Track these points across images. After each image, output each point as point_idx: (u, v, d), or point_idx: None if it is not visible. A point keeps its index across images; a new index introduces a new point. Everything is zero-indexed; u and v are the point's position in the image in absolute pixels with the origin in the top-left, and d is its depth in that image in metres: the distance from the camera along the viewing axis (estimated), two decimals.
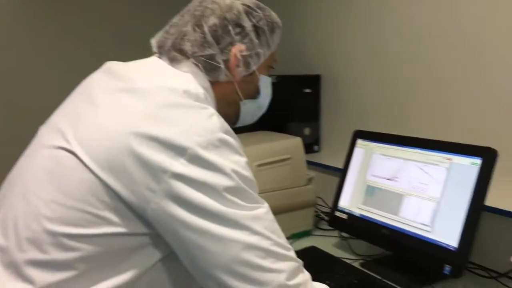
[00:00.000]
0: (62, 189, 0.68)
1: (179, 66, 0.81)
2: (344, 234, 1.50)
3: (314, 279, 1.22)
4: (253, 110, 0.95)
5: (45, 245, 0.67)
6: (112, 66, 0.82)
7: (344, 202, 1.39)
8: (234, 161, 0.71)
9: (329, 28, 1.95)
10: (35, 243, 0.67)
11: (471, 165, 1.09)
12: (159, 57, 0.84)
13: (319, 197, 1.78)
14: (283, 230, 1.49)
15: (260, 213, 0.71)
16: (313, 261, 1.30)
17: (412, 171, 1.22)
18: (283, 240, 0.73)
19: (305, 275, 0.73)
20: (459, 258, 1.07)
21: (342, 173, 1.42)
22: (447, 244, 1.09)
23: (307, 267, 1.29)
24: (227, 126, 0.73)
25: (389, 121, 1.68)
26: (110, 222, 0.68)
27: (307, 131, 1.96)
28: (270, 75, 0.97)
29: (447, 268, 1.07)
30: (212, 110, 0.73)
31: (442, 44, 1.52)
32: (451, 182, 1.12)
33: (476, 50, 1.43)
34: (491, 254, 1.23)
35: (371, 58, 1.78)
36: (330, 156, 1.93)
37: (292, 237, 1.52)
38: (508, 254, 1.16)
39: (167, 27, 0.86)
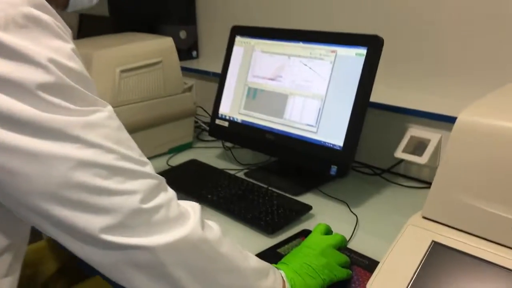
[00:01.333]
0: None
1: None
2: (228, 144, 1.38)
3: (196, 194, 1.12)
4: None
5: None
6: None
7: (225, 108, 1.25)
8: (53, 47, 0.50)
9: None
10: None
11: (356, 56, 0.99)
12: None
13: (200, 107, 1.62)
14: (160, 144, 1.36)
15: (98, 118, 0.52)
16: (194, 175, 1.17)
17: (295, 68, 1.10)
18: (135, 152, 0.55)
19: (168, 194, 0.57)
20: (345, 158, 1.00)
21: (220, 76, 1.26)
22: (333, 144, 1.02)
23: (188, 182, 1.18)
24: (41, 0, 0.51)
25: (271, 15, 1.52)
26: None
27: (183, 34, 1.74)
28: None
29: (333, 169, 1.01)
30: None
31: None
32: (336, 77, 1.03)
33: None
34: (376, 151, 1.20)
35: None
36: (210, 62, 1.75)
37: (171, 151, 1.36)
38: (392, 149, 1.13)
39: None
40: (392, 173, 1.17)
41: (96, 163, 0.50)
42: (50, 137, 0.48)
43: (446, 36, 1.15)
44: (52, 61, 0.49)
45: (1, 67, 0.46)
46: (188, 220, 0.57)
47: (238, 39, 1.23)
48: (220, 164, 1.26)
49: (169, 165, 1.28)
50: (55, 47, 0.50)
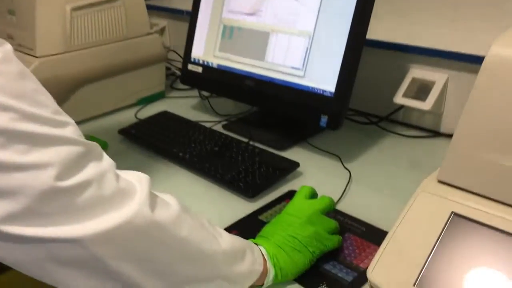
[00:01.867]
0: None
1: None
2: (205, 93, 1.22)
3: (167, 152, 0.97)
4: None
5: None
6: None
7: (198, 51, 1.08)
8: None
9: None
10: None
11: None
12: None
13: (173, 51, 1.44)
14: (128, 95, 1.19)
15: None
16: (165, 129, 1.02)
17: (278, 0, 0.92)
18: (46, 109, 0.40)
19: (102, 165, 0.42)
20: (337, 106, 0.85)
21: (191, 13, 1.08)
22: (323, 91, 0.86)
23: (158, 137, 1.02)
24: None
25: None
26: None
27: None
28: None
29: (323, 120, 0.86)
30: None
31: None
32: (326, 10, 0.85)
33: None
34: (372, 97, 1.05)
35: None
36: None
37: (140, 102, 1.20)
38: (390, 94, 0.98)
39: None
40: (390, 121, 1.03)
41: None
42: None
43: None
44: None
45: None
46: (131, 199, 0.43)
47: None
48: (196, 116, 1.11)
49: (137, 118, 1.12)
50: None
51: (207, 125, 1.05)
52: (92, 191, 0.40)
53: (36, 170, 0.37)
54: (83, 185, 0.40)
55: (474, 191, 0.47)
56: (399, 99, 0.96)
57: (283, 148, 0.94)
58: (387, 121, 1.03)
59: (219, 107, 1.14)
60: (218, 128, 1.05)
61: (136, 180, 0.45)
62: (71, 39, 1.02)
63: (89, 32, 1.04)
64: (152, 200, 0.45)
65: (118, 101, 1.16)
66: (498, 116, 0.45)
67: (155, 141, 0.97)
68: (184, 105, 1.20)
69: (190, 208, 0.51)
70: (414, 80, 0.96)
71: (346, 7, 0.82)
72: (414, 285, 0.43)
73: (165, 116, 1.10)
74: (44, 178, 0.37)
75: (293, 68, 0.90)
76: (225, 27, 1.01)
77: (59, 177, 0.38)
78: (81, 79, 1.05)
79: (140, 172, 0.47)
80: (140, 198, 0.43)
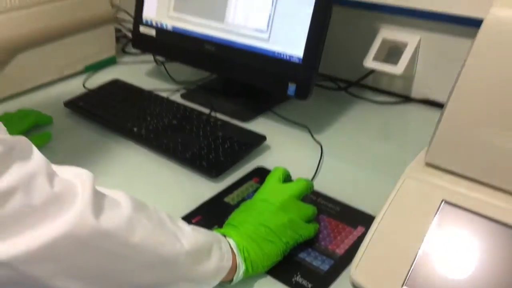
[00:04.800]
0: None
1: None
2: (160, 58, 1.12)
3: (119, 127, 0.85)
4: None
5: None
6: None
7: (150, 11, 0.97)
8: None
9: None
10: None
11: None
12: None
13: (124, 11, 1.30)
14: (74, 61, 1.07)
15: None
16: (117, 100, 0.93)
17: None
18: None
19: (28, 166, 0.33)
20: (306, 73, 0.78)
21: None
22: (290, 56, 0.79)
23: (109, 111, 0.90)
24: None
25: None
26: None
27: None
28: None
29: (291, 88, 0.79)
30: None
31: None
32: None
33: None
34: (340, 60, 0.99)
35: None
36: None
37: (88, 69, 1.09)
38: (359, 57, 0.91)
39: None
40: (360, 86, 0.97)
41: None
42: None
43: None
44: None
45: None
46: (70, 205, 0.35)
47: None
48: (151, 84, 1.01)
49: (85, 87, 1.01)
50: None
51: (164, 94, 0.96)
52: (18, 199, 0.32)
53: None
54: (6, 193, 0.31)
55: (467, 175, 0.42)
56: (369, 62, 0.90)
57: (248, 119, 0.87)
58: (357, 86, 0.97)
59: (177, 73, 1.05)
60: (176, 98, 0.96)
61: (77, 178, 0.37)
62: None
63: None
64: (97, 203, 0.37)
65: (62, 69, 1.04)
66: (497, 87, 0.39)
67: (106, 114, 0.88)
68: (137, 72, 1.10)
69: (146, 204, 0.44)
70: (384, 41, 0.90)
71: None
72: (403, 286, 0.39)
73: (116, 85, 1.00)
74: None
75: (256, 30, 0.82)
76: None
77: None
78: (17, 45, 0.93)
79: (81, 169, 0.39)
80: (81, 202, 0.35)
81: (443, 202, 0.41)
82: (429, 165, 0.44)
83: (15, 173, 0.32)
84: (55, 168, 0.37)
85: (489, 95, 0.40)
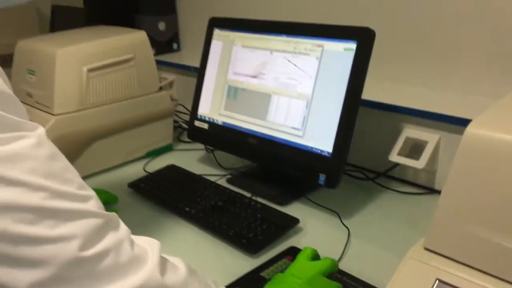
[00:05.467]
0: None
1: None
2: (210, 147, 1.28)
3: (173, 207, 1.00)
4: None
5: None
6: None
7: (204, 109, 1.15)
8: None
9: None
10: None
11: (345, 52, 0.89)
12: None
13: (181, 105, 1.51)
14: (137, 148, 1.25)
15: (22, 147, 0.42)
16: (172, 183, 1.08)
17: (279, 64, 0.99)
18: (72, 185, 0.45)
19: (119, 234, 0.47)
20: (334, 166, 0.91)
21: (198, 74, 1.16)
22: (321, 150, 0.92)
23: (165, 192, 1.07)
24: None
25: (254, 5, 1.41)
26: None
27: (162, 26, 1.62)
28: None
29: (321, 178, 0.91)
30: None
31: None
32: (323, 75, 0.92)
33: None
34: (368, 153, 1.11)
35: None
36: (192, 55, 1.62)
37: (149, 155, 1.26)
38: (386, 152, 1.03)
39: None
40: (387, 177, 1.08)
41: (19, 206, 0.40)
42: None
43: (445, 22, 1.05)
44: None
45: None
46: (144, 265, 0.47)
47: (216, 32, 1.12)
48: (201, 169, 1.16)
49: (146, 171, 1.17)
50: None
51: (212, 178, 1.10)
52: (111, 259, 0.45)
53: (63, 242, 0.42)
54: (103, 254, 0.44)
55: (458, 260, 0.51)
56: (394, 157, 1.01)
57: (284, 203, 0.99)
58: (384, 177, 1.08)
59: (224, 160, 1.20)
60: (223, 182, 1.10)
61: (148, 245, 0.50)
62: (86, 97, 1.09)
63: (103, 91, 1.12)
64: (162, 264, 0.49)
65: (128, 154, 1.22)
66: (476, 192, 0.50)
67: (163, 195, 1.02)
68: (190, 158, 1.25)
69: (196, 270, 0.56)
70: (407, 139, 1.02)
71: (342, 72, 0.89)
72: None
73: (172, 169, 1.16)
74: (70, 249, 0.42)
75: (293, 128, 0.96)
76: (230, 87, 1.09)
77: (82, 247, 0.43)
78: (94, 135, 1.11)
79: (151, 238, 0.52)
80: (152, 263, 0.48)
81: (437, 281, 0.50)
82: (427, 249, 0.54)
83: (110, 239, 0.45)
84: (134, 237, 0.50)
85: (469, 197, 0.50)
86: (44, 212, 0.41)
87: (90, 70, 1.08)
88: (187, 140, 1.35)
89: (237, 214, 0.92)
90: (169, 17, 1.65)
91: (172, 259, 0.53)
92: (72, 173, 0.46)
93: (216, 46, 1.11)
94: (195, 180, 1.08)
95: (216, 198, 0.98)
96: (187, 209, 0.96)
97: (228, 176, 1.12)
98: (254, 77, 1.04)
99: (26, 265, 0.41)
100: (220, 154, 1.23)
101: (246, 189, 1.04)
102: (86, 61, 1.07)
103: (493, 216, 0.49)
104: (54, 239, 0.41)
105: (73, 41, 1.10)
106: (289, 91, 0.97)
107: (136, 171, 1.18)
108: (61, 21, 1.85)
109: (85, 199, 0.46)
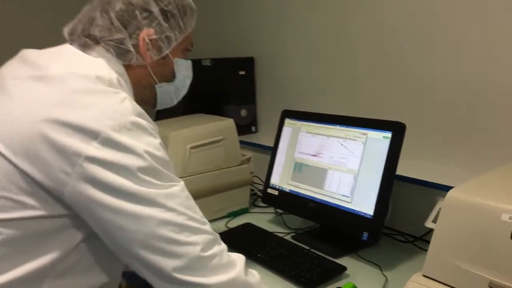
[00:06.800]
0: None
1: (90, 52, 0.83)
2: (279, 211, 1.57)
3: (248, 253, 1.28)
4: (170, 92, 0.97)
5: None
6: (26, 53, 0.82)
7: (275, 179, 1.46)
8: (147, 142, 0.74)
9: (261, 11, 1.99)
10: None
11: (383, 139, 1.17)
12: (71, 44, 0.85)
13: (256, 176, 1.83)
14: (219, 209, 1.59)
15: (175, 191, 0.75)
16: (248, 236, 1.37)
17: (334, 147, 1.30)
18: (198, 215, 0.77)
19: (221, 247, 0.78)
20: (375, 225, 1.16)
21: (272, 151, 1.49)
22: (364, 213, 1.18)
23: (242, 242, 1.37)
24: (140, 109, 0.76)
25: (314, 101, 1.76)
26: (27, 206, 0.70)
27: (243, 112, 2.01)
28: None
29: (365, 235, 1.16)
30: (124, 94, 0.75)
31: (363, 35, 1.59)
32: (367, 155, 1.21)
33: (386, 35, 1.51)
34: (408, 220, 1.34)
35: (300, 41, 1.83)
36: (267, 136, 1.98)
37: (230, 215, 1.57)
38: (423, 219, 1.26)
39: (79, 15, 0.87)
40: (423, 241, 1.30)
41: (172, 222, 0.72)
42: (145, 203, 0.71)
43: (477, 113, 1.31)
44: (147, 152, 0.73)
45: (115, 156, 0.71)
46: (235, 267, 0.77)
47: (287, 121, 1.46)
48: (272, 228, 1.45)
49: (227, 227, 1.48)
50: (148, 142, 0.75)
51: (280, 235, 1.38)
52: (217, 260, 0.75)
53: (193, 246, 0.73)
54: (213, 256, 0.75)
55: (446, 283, 0.75)
56: (429, 224, 1.23)
57: (337, 256, 1.24)
58: (422, 240, 1.30)
59: (290, 221, 1.48)
60: (288, 238, 1.37)
61: (237, 257, 0.80)
62: (188, 167, 1.44)
63: (199, 163, 1.47)
64: (245, 270, 0.79)
65: (213, 213, 1.54)
66: (453, 234, 0.75)
67: (240, 245, 1.32)
68: (263, 219, 1.55)
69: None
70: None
71: (381, 154, 1.17)
72: None
73: (248, 226, 1.46)
74: (196, 250, 0.73)
75: (343, 195, 1.24)
76: (296, 163, 1.40)
77: (203, 250, 0.74)
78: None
79: (239, 254, 0.82)
80: (239, 267, 0.77)
81: None
82: (424, 276, 0.78)
83: (217, 248, 0.77)
84: (229, 253, 0.80)
85: (449, 238, 0.75)
86: (184, 227, 0.73)
87: (192, 148, 1.45)
88: (261, 205, 1.65)
89: (298, 261, 1.19)
90: (250, 106, 2.04)
91: (251, 270, 0.82)
92: (198, 208, 0.79)
93: (286, 131, 1.45)
94: (266, 235, 1.37)
95: (282, 249, 1.26)
96: (259, 255, 1.24)
97: (293, 234, 1.40)
98: (314, 155, 1.34)
99: (172, 256, 0.72)
100: (287, 217, 1.51)
101: (306, 244, 1.30)
102: (190, 141, 1.45)
103: (466, 251, 0.73)
104: (188, 243, 0.73)
105: (181, 126, 1.49)
106: (341, 167, 1.26)
107: (219, 227, 1.49)
108: (163, 110, 2.31)
109: (204, 223, 0.77)
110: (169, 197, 0.73)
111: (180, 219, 0.73)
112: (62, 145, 0.69)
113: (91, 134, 0.69)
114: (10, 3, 2.23)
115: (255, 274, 0.81)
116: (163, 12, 0.87)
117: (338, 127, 1.30)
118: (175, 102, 1.02)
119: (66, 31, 0.86)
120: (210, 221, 1.56)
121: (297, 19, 1.83)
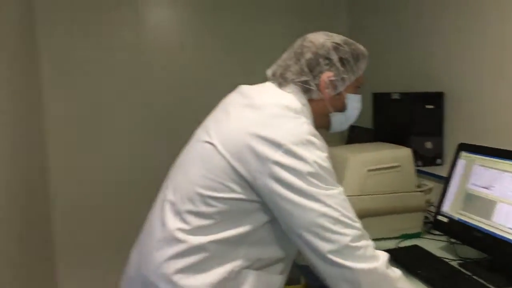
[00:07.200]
0: (207, 168, 1.06)
1: (284, 88, 1.14)
2: (453, 240, 1.62)
3: (409, 269, 1.40)
4: (341, 120, 1.21)
5: (196, 202, 1.04)
6: (242, 88, 1.17)
7: (446, 207, 1.54)
8: (317, 155, 1.00)
9: (452, 45, 2.04)
10: (191, 200, 1.05)
11: None
12: (272, 82, 1.17)
13: (435, 206, 1.89)
14: (392, 229, 1.76)
15: (333, 193, 0.98)
16: (413, 255, 1.49)
17: (506, 181, 1.33)
18: (351, 214, 0.99)
19: (368, 242, 0.97)
20: None
21: (445, 181, 1.57)
22: None
23: (406, 258, 1.49)
24: (314, 131, 1.03)
25: (495, 137, 1.72)
26: (233, 190, 1.03)
27: (429, 144, 2.09)
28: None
29: None
30: (304, 119, 1.04)
31: None
32: None
33: None
34: None
35: (496, 76, 1.81)
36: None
37: (402, 237, 1.70)
38: None
39: (278, 61, 1.19)
40: None
41: (329, 215, 0.96)
42: (310, 198, 0.97)
43: None
44: (315, 162, 0.99)
45: (293, 162, 0.98)
46: (378, 260, 0.96)
47: (463, 153, 1.53)
48: (440, 253, 1.51)
49: (397, 246, 1.62)
50: (317, 154, 1.00)
51: (447, 261, 1.44)
52: (362, 251, 0.95)
53: (344, 236, 0.95)
54: (360, 247, 0.95)
55: None
56: None
57: (501, 286, 1.26)
58: None
59: (460, 251, 1.52)
60: (454, 264, 1.43)
61: (381, 253, 0.99)
62: (364, 187, 1.64)
63: (375, 185, 1.65)
64: (387, 265, 0.96)
65: (386, 232, 1.69)
66: None
67: (404, 260, 1.44)
68: (433, 245, 1.61)
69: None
70: None
71: None
72: None
73: (416, 248, 1.56)
74: (346, 240, 0.95)
75: (510, 228, 1.27)
76: (467, 194, 1.46)
77: (351, 241, 0.95)
78: (366, 213, 1.61)
79: (385, 252, 1.00)
80: (382, 261, 0.96)
81: None
82: None
83: (363, 242, 0.97)
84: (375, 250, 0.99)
85: None
86: (338, 221, 0.96)
87: (369, 170, 1.65)
88: (435, 233, 1.72)
89: (459, 283, 1.27)
90: (436, 138, 2.11)
91: (393, 267, 0.99)
92: (352, 210, 1.00)
93: (460, 163, 1.53)
94: (432, 257, 1.46)
95: (444, 271, 1.35)
96: (419, 271, 1.35)
97: (460, 261, 1.45)
98: (485, 188, 1.39)
99: (328, 241, 0.95)
100: (459, 247, 1.55)
101: (471, 271, 1.35)
102: (367, 164, 1.65)
103: None
104: (340, 233, 0.95)
105: (361, 151, 1.71)
106: (511, 201, 1.29)
107: (390, 244, 1.63)
108: (355, 136, 2.55)
109: (355, 221, 0.99)
110: (329, 197, 0.97)
111: (335, 214, 0.96)
112: (259, 151, 1.00)
113: (278, 146, 0.99)
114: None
115: (396, 271, 0.98)
116: (341, 59, 1.13)
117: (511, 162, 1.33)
118: (345, 127, 1.25)
119: (269, 73, 1.20)
120: (383, 239, 1.75)
121: (489, 52, 1.83)
